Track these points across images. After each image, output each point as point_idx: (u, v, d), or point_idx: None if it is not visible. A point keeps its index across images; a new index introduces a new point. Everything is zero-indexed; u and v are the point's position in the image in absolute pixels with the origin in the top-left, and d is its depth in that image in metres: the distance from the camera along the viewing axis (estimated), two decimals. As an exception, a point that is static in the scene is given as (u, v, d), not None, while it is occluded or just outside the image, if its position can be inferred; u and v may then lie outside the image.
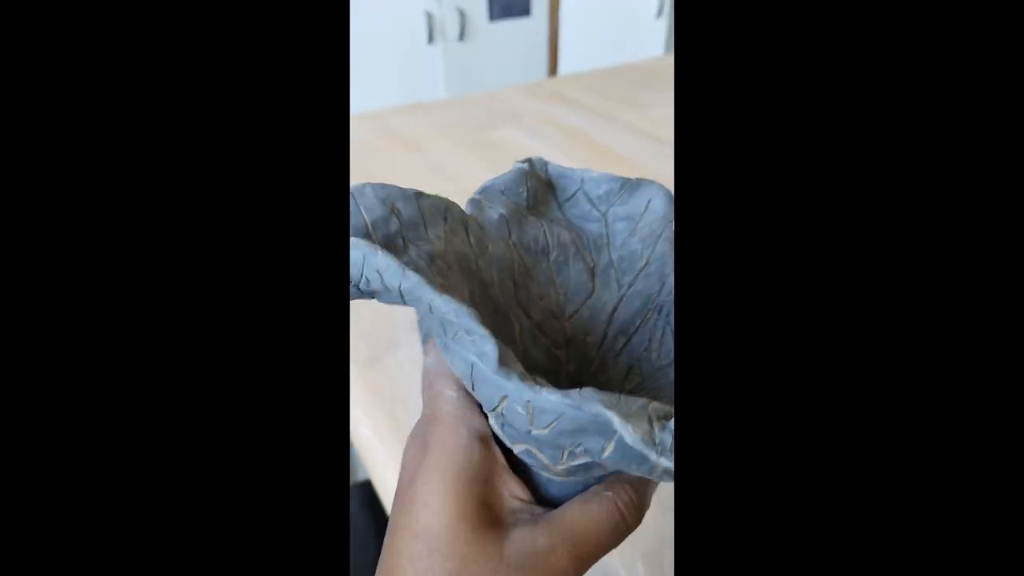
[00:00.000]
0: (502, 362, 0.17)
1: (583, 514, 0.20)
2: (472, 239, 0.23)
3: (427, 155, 0.81)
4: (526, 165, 0.26)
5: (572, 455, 0.18)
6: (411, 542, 0.19)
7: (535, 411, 0.17)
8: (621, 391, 0.24)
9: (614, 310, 0.25)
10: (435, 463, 0.20)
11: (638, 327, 0.25)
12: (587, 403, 0.16)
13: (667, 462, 0.15)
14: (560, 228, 0.26)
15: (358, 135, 0.88)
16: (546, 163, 0.27)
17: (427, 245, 0.21)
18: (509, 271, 0.23)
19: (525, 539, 0.19)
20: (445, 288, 0.18)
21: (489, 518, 0.20)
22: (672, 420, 0.16)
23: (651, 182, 0.26)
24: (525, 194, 0.25)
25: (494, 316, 0.22)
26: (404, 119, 0.93)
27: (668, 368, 0.23)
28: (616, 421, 0.16)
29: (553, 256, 0.25)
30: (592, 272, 0.25)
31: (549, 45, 2.16)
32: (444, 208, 0.23)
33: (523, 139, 0.84)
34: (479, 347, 0.17)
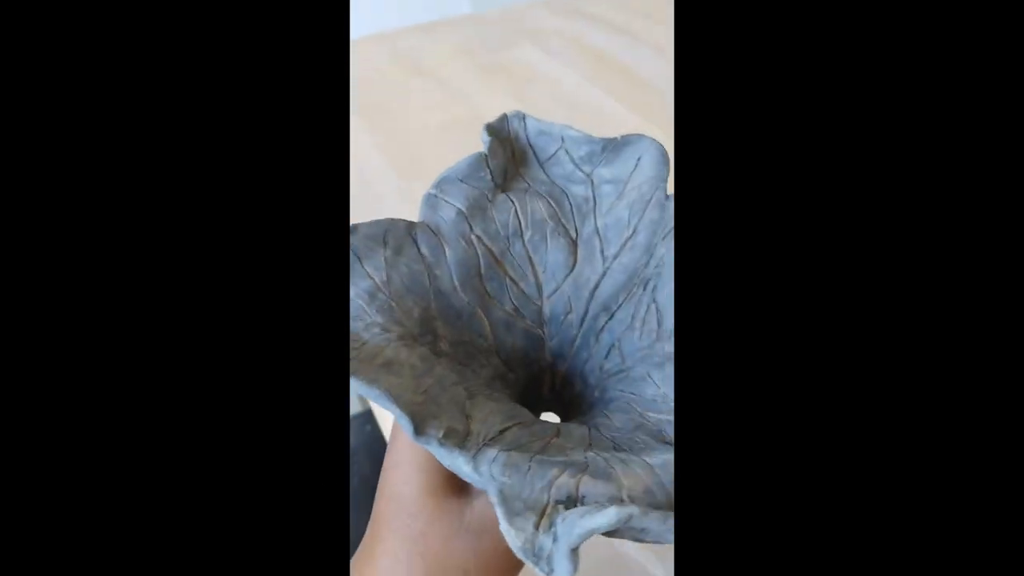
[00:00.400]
0: (418, 432, 0.17)
1: None
2: (424, 250, 0.23)
3: (441, 80, 0.77)
4: (485, 146, 0.24)
5: None
6: (386, 505, 0.21)
7: (457, 473, 0.18)
8: (600, 369, 0.24)
9: (596, 286, 0.24)
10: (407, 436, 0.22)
11: (622, 303, 0.24)
12: (489, 485, 0.16)
13: (548, 568, 0.15)
14: (536, 201, 0.24)
15: (366, 61, 0.84)
16: (524, 118, 0.25)
17: (364, 281, 0.21)
18: (473, 268, 0.23)
19: (485, 508, 0.21)
20: (386, 322, 0.19)
21: (453, 488, 0.21)
22: (577, 506, 0.16)
23: (640, 137, 0.24)
24: (488, 176, 0.24)
25: (456, 323, 0.22)
26: (415, 40, 0.88)
27: (649, 349, 0.23)
28: (503, 524, 0.15)
29: (527, 236, 0.24)
30: (574, 245, 0.24)
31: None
32: (383, 232, 0.22)
33: (542, 61, 0.79)
34: (400, 420, 0.18)
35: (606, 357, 0.24)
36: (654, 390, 0.22)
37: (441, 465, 0.20)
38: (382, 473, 0.22)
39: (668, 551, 0.34)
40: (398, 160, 0.63)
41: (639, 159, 0.24)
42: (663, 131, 0.65)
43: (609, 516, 0.15)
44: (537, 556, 0.15)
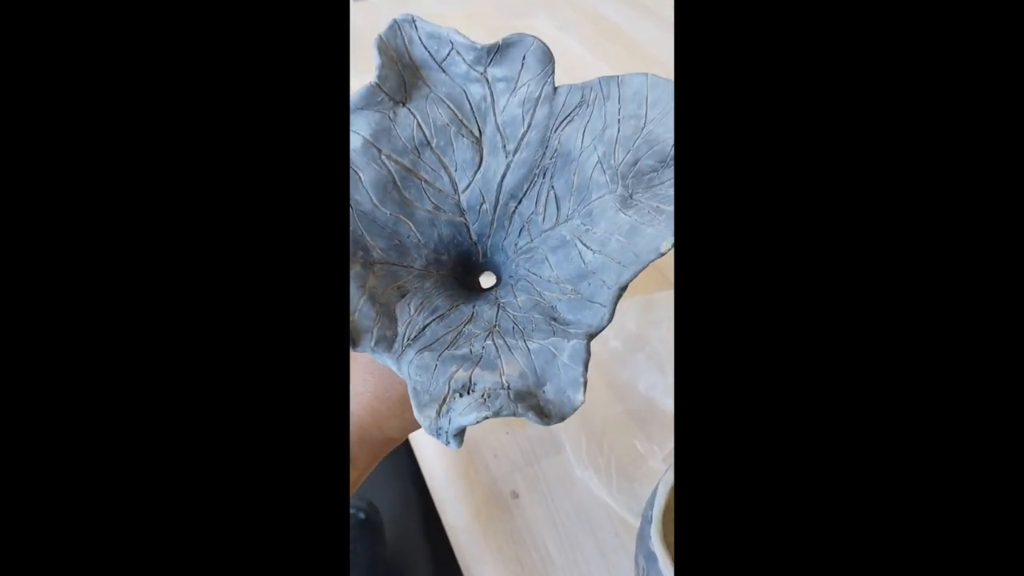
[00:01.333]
0: (354, 345, 0.23)
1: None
2: None
3: (453, 43, 0.80)
4: (378, 71, 0.26)
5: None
6: (355, 366, 0.28)
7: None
8: (514, 247, 0.28)
9: (503, 178, 0.27)
10: None
11: (526, 191, 0.27)
12: (407, 381, 0.22)
13: (450, 443, 0.21)
14: (436, 107, 0.27)
15: (382, 19, 0.87)
16: (414, 20, 0.27)
17: None
18: (389, 183, 0.26)
19: None
20: None
21: None
22: (470, 393, 0.22)
23: (522, 36, 0.26)
24: (385, 98, 0.26)
25: (383, 232, 0.26)
26: (433, 3, 0.91)
27: (551, 232, 0.26)
28: (415, 412, 0.21)
29: (435, 143, 0.27)
30: (478, 142, 0.27)
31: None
32: None
33: (551, 30, 0.82)
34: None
35: (519, 235, 0.27)
36: (549, 272, 0.26)
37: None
38: None
39: (596, 439, 0.40)
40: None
41: (524, 57, 0.26)
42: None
43: (470, 420, 0.20)
44: (438, 435, 0.21)
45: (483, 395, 0.21)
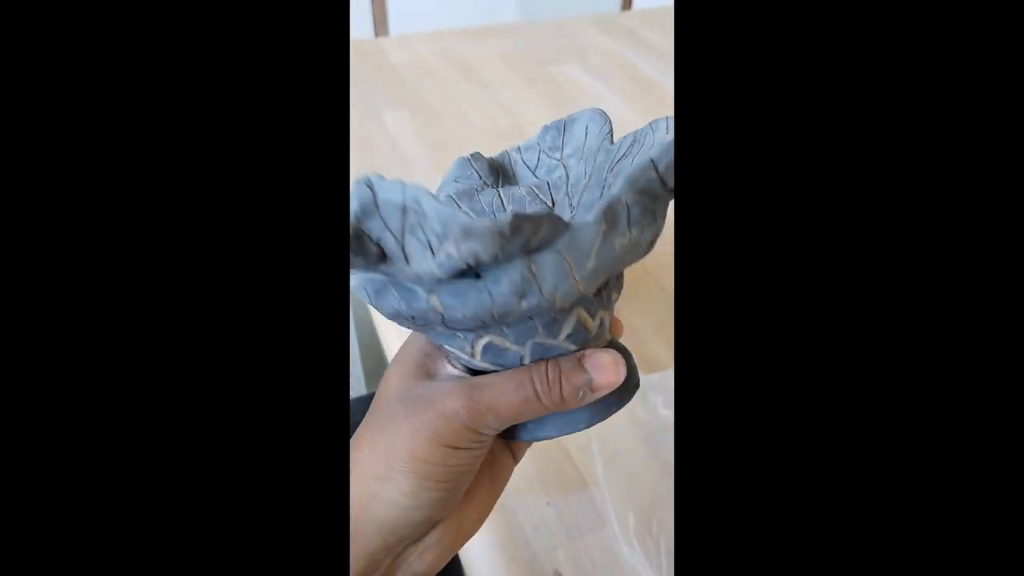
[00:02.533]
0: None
1: (495, 376, 0.21)
2: None
3: (485, 85, 0.80)
4: (468, 157, 0.27)
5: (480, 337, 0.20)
6: (379, 387, 0.24)
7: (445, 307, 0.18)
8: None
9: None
10: (399, 350, 0.25)
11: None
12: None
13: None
14: (517, 189, 0.27)
15: (417, 55, 0.87)
16: (507, 152, 0.29)
17: None
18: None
19: (432, 386, 0.22)
20: None
21: (418, 373, 0.23)
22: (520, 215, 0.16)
23: (583, 112, 0.27)
24: (476, 175, 0.27)
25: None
26: (465, 43, 0.91)
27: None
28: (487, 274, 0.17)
29: (508, 208, 0.26)
30: (550, 208, 0.27)
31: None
32: None
33: (585, 79, 0.82)
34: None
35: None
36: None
37: (416, 361, 0.23)
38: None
39: (645, 517, 0.37)
40: (442, 159, 0.66)
41: (587, 127, 0.27)
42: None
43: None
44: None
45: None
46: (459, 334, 0.21)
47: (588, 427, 0.23)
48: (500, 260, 0.17)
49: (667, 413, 0.41)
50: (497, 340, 0.21)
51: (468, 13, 1.86)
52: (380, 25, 1.84)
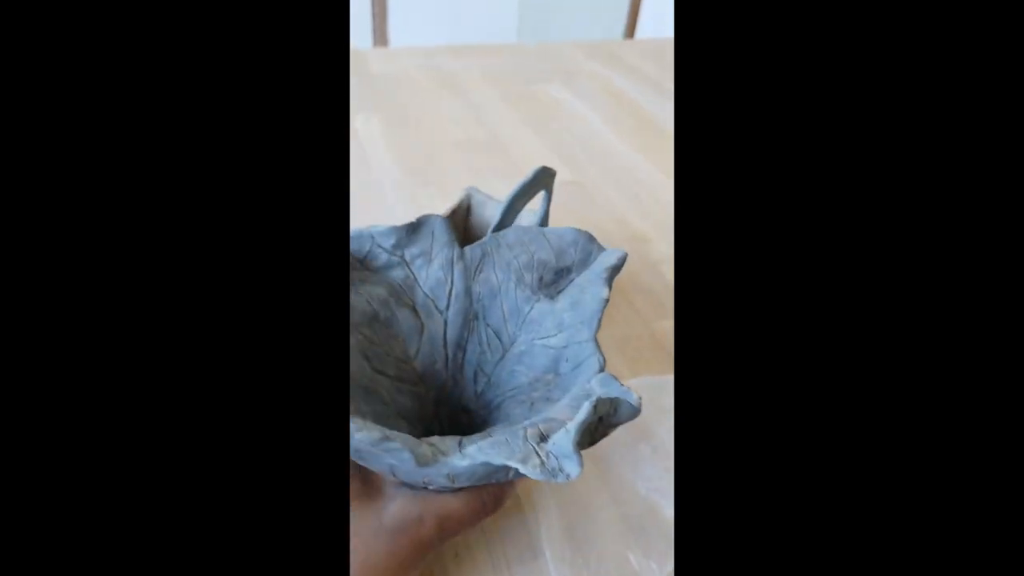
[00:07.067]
0: (419, 463, 0.21)
1: (454, 498, 0.25)
2: None
3: (467, 100, 0.79)
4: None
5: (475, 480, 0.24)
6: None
7: (455, 476, 0.23)
8: (475, 394, 0.30)
9: (444, 335, 0.31)
10: None
11: (467, 338, 0.31)
12: (494, 458, 0.21)
13: (567, 472, 0.20)
14: (374, 287, 0.30)
15: (402, 68, 0.86)
16: (369, 233, 0.31)
17: None
18: (360, 353, 0.28)
19: (402, 509, 0.24)
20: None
21: (370, 491, 0.25)
22: (553, 434, 0.21)
23: (428, 216, 0.31)
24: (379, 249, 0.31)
25: (366, 398, 0.26)
26: (453, 59, 0.90)
27: (503, 359, 0.30)
28: (520, 468, 0.20)
29: (382, 316, 0.30)
30: (415, 310, 0.31)
31: (631, 5, 2.06)
32: None
33: (570, 99, 0.81)
34: (397, 457, 0.22)
35: (474, 382, 0.30)
36: (525, 376, 0.29)
37: (357, 475, 0.25)
38: None
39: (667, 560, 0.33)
40: (409, 164, 0.64)
41: (433, 231, 0.31)
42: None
43: (585, 411, 0.21)
44: (553, 473, 0.20)
45: (569, 425, 0.21)
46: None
47: None
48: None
49: (618, 431, 0.38)
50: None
51: (468, 33, 1.88)
52: (379, 38, 1.85)
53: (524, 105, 0.78)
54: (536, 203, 0.44)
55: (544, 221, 0.43)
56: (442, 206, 0.56)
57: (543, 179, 0.39)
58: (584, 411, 0.21)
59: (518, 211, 0.37)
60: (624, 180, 0.63)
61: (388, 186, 0.60)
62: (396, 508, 0.24)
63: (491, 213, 0.46)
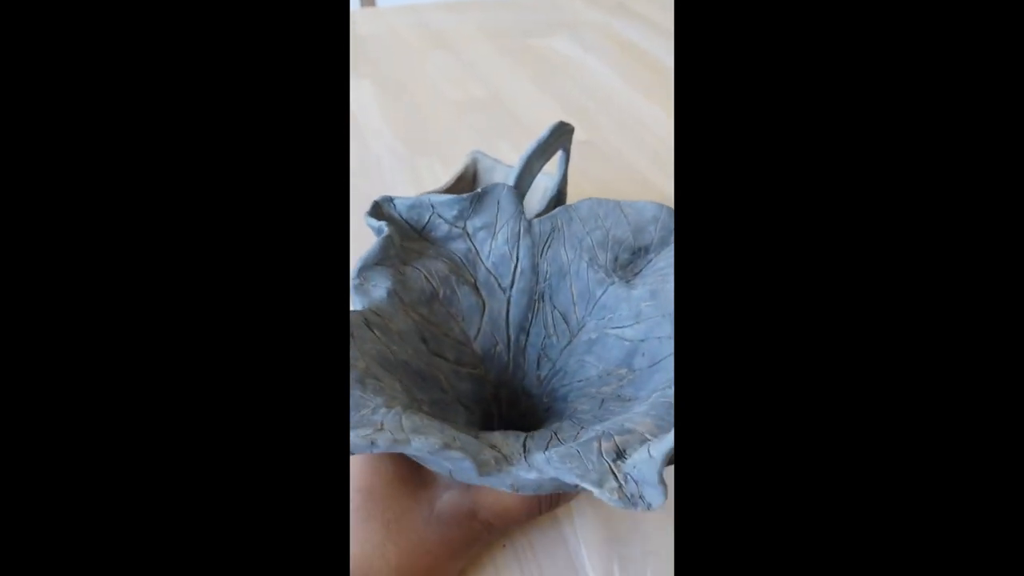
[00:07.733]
0: (480, 472, 0.19)
1: (509, 496, 0.24)
2: (377, 332, 0.24)
3: (461, 56, 0.72)
4: (387, 229, 0.27)
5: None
6: (355, 496, 0.23)
7: (520, 487, 0.20)
8: (538, 379, 0.27)
9: (507, 315, 0.28)
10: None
11: (532, 319, 0.28)
12: (565, 475, 0.19)
13: (649, 502, 0.17)
14: (433, 261, 0.28)
15: (390, 28, 0.80)
16: (392, 200, 0.28)
17: (351, 372, 0.22)
18: (417, 334, 0.26)
19: (454, 500, 0.23)
20: (386, 400, 0.21)
21: (422, 480, 0.24)
22: (630, 449, 0.19)
23: (494, 186, 0.29)
24: (395, 255, 0.27)
25: (422, 385, 0.24)
26: (443, 15, 0.83)
27: (570, 345, 0.27)
28: (596, 492, 0.18)
29: (441, 294, 0.27)
30: (476, 288, 0.28)
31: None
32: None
33: (575, 51, 0.74)
34: (458, 465, 0.19)
35: (537, 367, 0.28)
36: (595, 369, 0.26)
37: (406, 458, 0.23)
38: (351, 469, 0.24)
39: (665, 557, 0.29)
40: (405, 131, 0.58)
41: (499, 201, 0.29)
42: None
43: (668, 441, 0.18)
44: (632, 500, 0.17)
45: (649, 447, 0.19)
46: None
47: None
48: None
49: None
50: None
51: None
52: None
53: (525, 60, 0.72)
54: (551, 166, 0.38)
55: (563, 186, 0.37)
56: (445, 175, 0.50)
57: (561, 135, 0.33)
58: (672, 437, 0.18)
59: (535, 174, 0.32)
60: (643, 136, 0.58)
61: (385, 156, 0.55)
62: (449, 498, 0.23)
63: (500, 178, 0.41)
